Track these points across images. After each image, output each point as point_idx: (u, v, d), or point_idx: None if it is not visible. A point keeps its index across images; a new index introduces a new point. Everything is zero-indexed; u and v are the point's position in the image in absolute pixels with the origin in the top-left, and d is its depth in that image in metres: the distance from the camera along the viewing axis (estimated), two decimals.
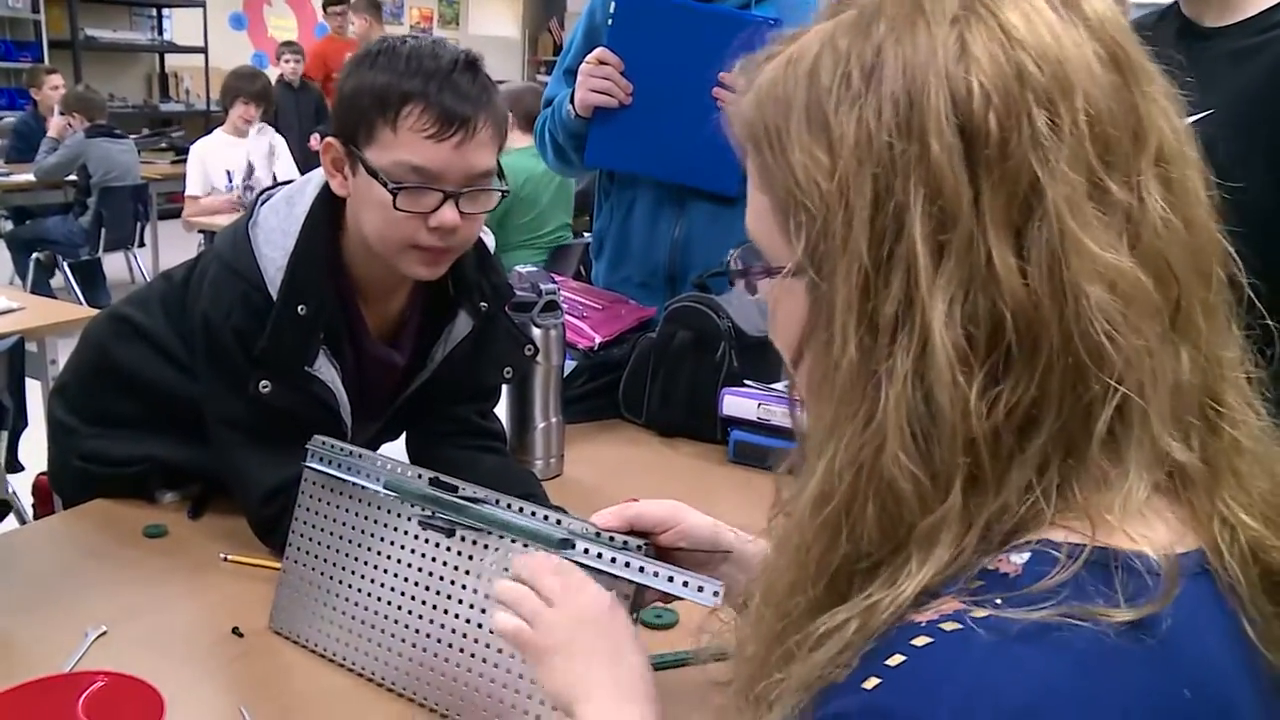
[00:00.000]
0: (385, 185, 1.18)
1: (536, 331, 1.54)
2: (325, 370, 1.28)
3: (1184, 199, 0.59)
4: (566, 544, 0.93)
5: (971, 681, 0.52)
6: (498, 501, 1.01)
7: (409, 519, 1.05)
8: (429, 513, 1.03)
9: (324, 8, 6.41)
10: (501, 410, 1.56)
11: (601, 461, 1.68)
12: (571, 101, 1.92)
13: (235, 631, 1.13)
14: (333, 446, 1.12)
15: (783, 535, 0.67)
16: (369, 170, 1.19)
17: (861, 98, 0.58)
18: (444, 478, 1.04)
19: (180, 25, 9.04)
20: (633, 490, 1.61)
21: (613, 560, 0.92)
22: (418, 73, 1.18)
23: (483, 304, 1.39)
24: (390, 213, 1.19)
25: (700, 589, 0.89)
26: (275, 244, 1.26)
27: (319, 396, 1.28)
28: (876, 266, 0.57)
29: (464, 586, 1.02)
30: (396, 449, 1.51)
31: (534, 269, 1.64)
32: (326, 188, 1.27)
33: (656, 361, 1.79)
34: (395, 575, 1.06)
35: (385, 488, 1.07)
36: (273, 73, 6.85)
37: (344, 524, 1.11)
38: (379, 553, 1.08)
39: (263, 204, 1.31)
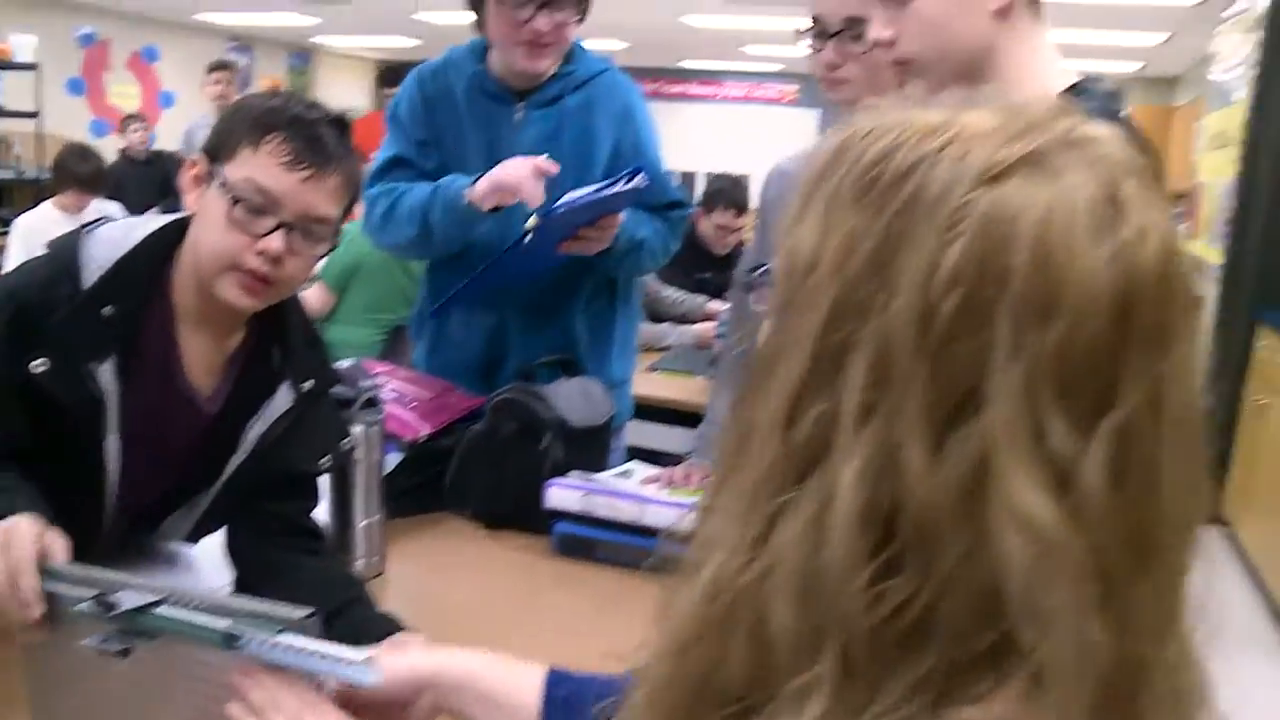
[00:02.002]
0: (231, 197, 1.21)
1: (357, 428, 1.52)
2: (106, 377, 1.24)
3: (1139, 476, 0.51)
4: (231, 640, 0.85)
5: None
6: (162, 602, 0.90)
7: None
8: (101, 637, 0.92)
9: (208, 72, 6.23)
10: (321, 508, 1.53)
11: (426, 558, 1.66)
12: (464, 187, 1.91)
13: None
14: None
15: (650, 666, 0.61)
16: (221, 183, 1.22)
17: (861, 209, 0.53)
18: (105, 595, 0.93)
19: (12, 88, 8.72)
20: (456, 588, 1.61)
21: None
22: (292, 113, 1.24)
23: (306, 383, 1.37)
24: (224, 227, 1.21)
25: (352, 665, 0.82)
26: (105, 246, 1.25)
27: (85, 398, 1.23)
28: (814, 373, 0.53)
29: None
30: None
31: (352, 363, 1.63)
32: (166, 226, 1.29)
33: (483, 453, 1.79)
34: None
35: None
36: (116, 142, 6.66)
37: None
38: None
39: (102, 223, 1.30)
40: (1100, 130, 0.55)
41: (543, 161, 1.83)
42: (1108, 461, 0.50)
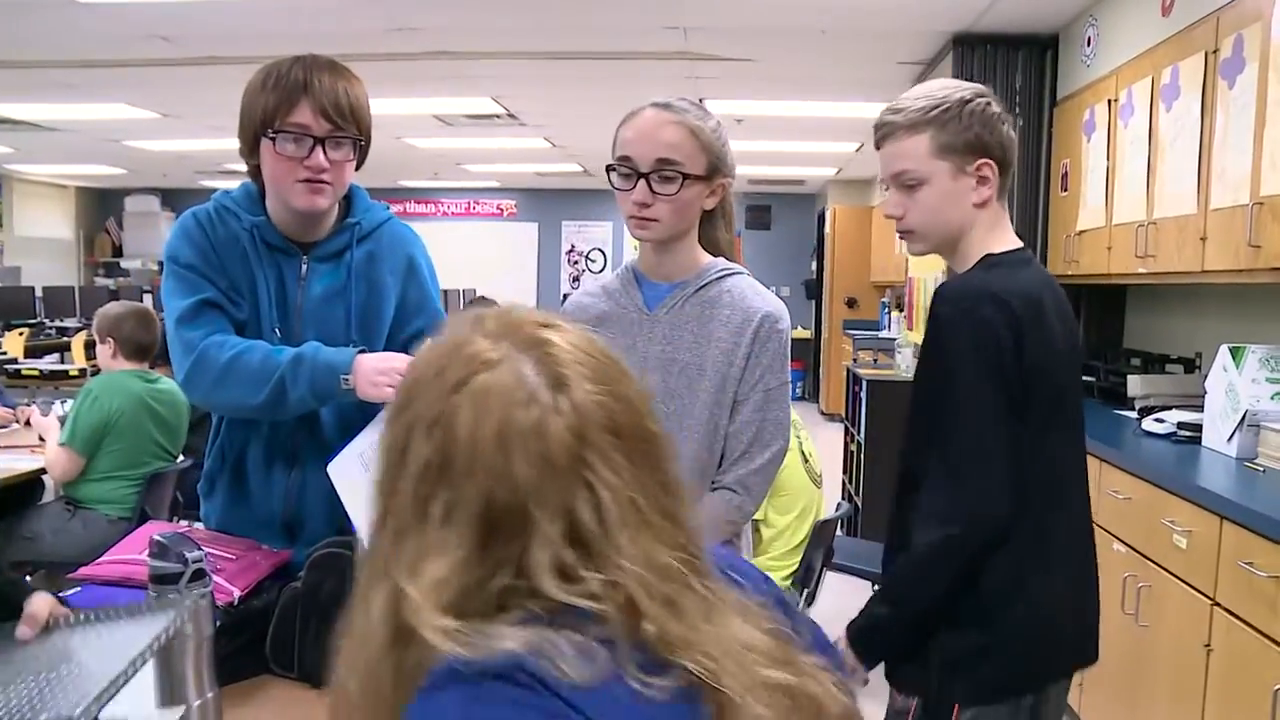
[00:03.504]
0: None
1: (185, 603, 1.47)
2: None
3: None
4: None
5: None
6: None
7: None
8: None
9: None
10: (150, 691, 1.46)
11: None
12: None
13: None
14: None
15: None
16: None
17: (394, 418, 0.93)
18: None
19: None
20: None
21: None
22: None
23: None
24: None
25: None
26: None
27: None
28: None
29: None
30: None
31: (175, 534, 1.57)
32: None
33: (305, 612, 1.75)
34: None
35: None
36: None
37: None
38: None
39: None
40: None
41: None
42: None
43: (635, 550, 0.86)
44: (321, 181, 1.89)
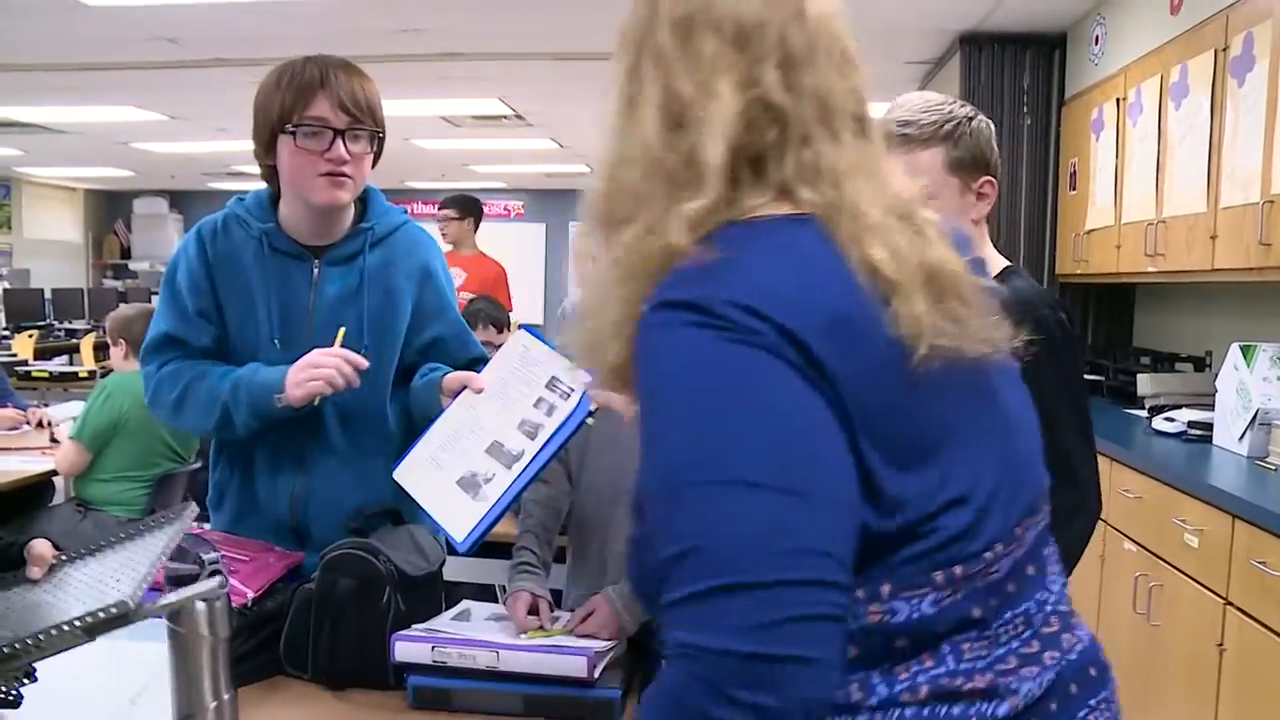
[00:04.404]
0: None
1: (200, 605, 1.47)
2: None
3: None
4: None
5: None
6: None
7: None
8: None
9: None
10: (166, 694, 1.46)
11: None
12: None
13: None
14: None
15: None
16: None
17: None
18: None
19: None
20: None
21: None
22: None
23: None
24: None
25: None
26: None
27: None
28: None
29: None
30: None
31: (190, 535, 1.57)
32: None
33: (319, 612, 1.75)
34: None
35: None
36: None
37: None
38: None
39: None
40: None
41: (352, 355, 1.85)
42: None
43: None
44: (342, 174, 1.90)
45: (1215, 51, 3.55)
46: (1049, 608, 1.01)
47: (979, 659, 0.94)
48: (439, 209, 6.08)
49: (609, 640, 1.78)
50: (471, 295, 4.98)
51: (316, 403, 1.88)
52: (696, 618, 0.81)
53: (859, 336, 0.89)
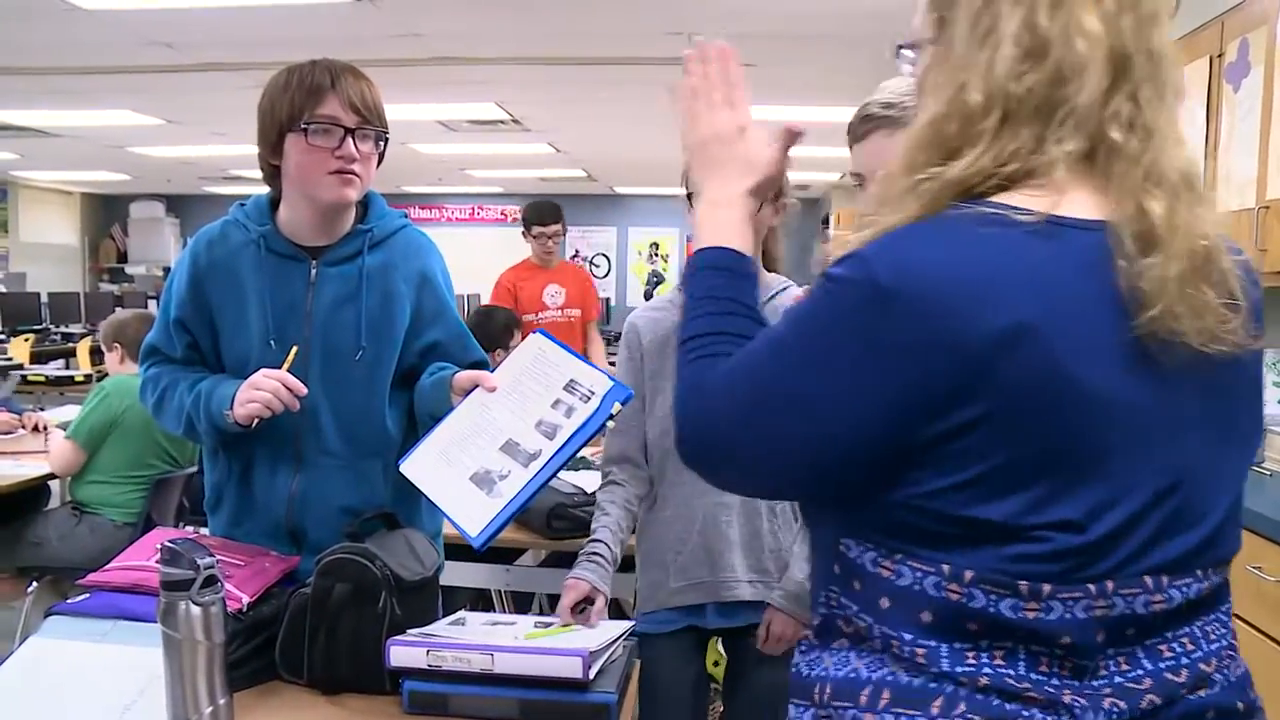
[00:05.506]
0: None
1: (195, 610, 1.47)
2: None
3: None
4: None
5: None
6: None
7: None
8: None
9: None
10: (161, 699, 1.46)
11: None
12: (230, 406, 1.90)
13: None
14: None
15: None
16: None
17: None
18: None
19: None
20: None
21: None
22: None
23: None
24: None
25: None
26: None
27: None
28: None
29: None
30: None
31: (186, 540, 1.57)
32: None
33: (315, 617, 1.75)
34: None
35: None
36: None
37: None
38: None
39: None
40: None
41: (290, 379, 1.85)
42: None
43: None
44: (351, 172, 1.92)
45: (1210, 58, 3.56)
46: (1170, 686, 0.98)
47: (1054, 678, 0.94)
48: (549, 225, 5.29)
49: (608, 641, 1.78)
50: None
51: (254, 425, 1.88)
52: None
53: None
